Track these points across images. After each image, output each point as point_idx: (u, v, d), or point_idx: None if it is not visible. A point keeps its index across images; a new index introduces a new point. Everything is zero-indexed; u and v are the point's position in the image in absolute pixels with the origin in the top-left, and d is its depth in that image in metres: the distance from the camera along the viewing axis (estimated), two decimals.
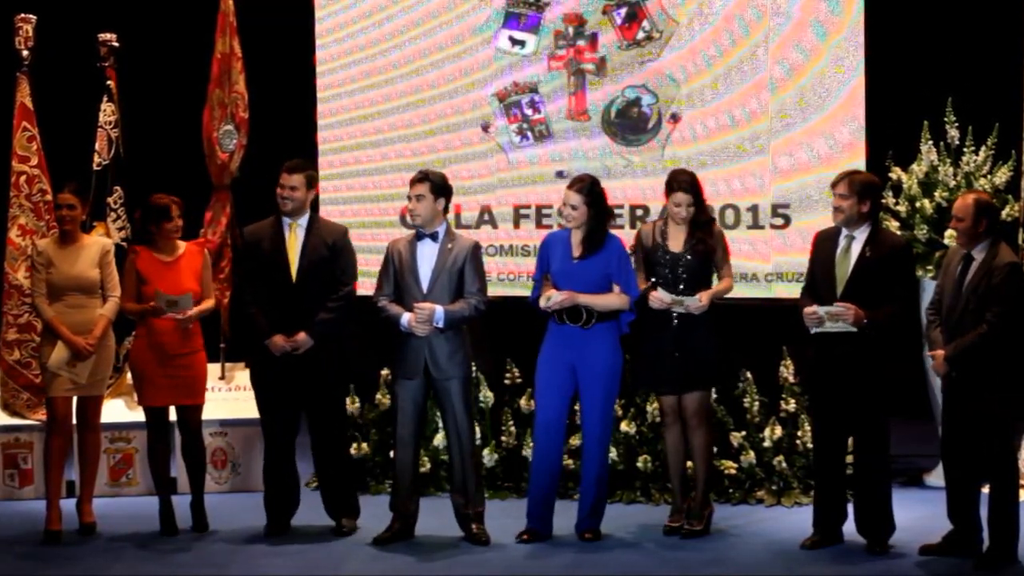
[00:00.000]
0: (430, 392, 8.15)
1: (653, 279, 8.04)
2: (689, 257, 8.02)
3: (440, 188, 8.07)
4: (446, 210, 8.16)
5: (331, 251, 8.22)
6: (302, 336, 8.11)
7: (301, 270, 8.19)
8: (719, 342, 8.05)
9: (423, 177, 8.06)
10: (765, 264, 9.20)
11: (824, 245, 7.89)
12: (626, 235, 9.30)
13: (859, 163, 8.99)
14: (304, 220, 8.27)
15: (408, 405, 8.09)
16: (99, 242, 8.53)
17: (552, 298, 7.94)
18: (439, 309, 7.96)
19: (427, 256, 8.07)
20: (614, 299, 8.01)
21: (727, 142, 9.29)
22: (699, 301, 7.92)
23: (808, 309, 7.72)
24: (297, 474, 8.40)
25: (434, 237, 8.09)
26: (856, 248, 7.75)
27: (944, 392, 7.76)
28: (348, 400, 9.22)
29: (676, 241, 8.06)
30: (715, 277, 8.16)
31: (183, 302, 8.19)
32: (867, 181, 7.80)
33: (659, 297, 7.95)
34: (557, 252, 8.10)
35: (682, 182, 8.05)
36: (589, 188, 8.01)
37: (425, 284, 8.02)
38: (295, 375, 8.14)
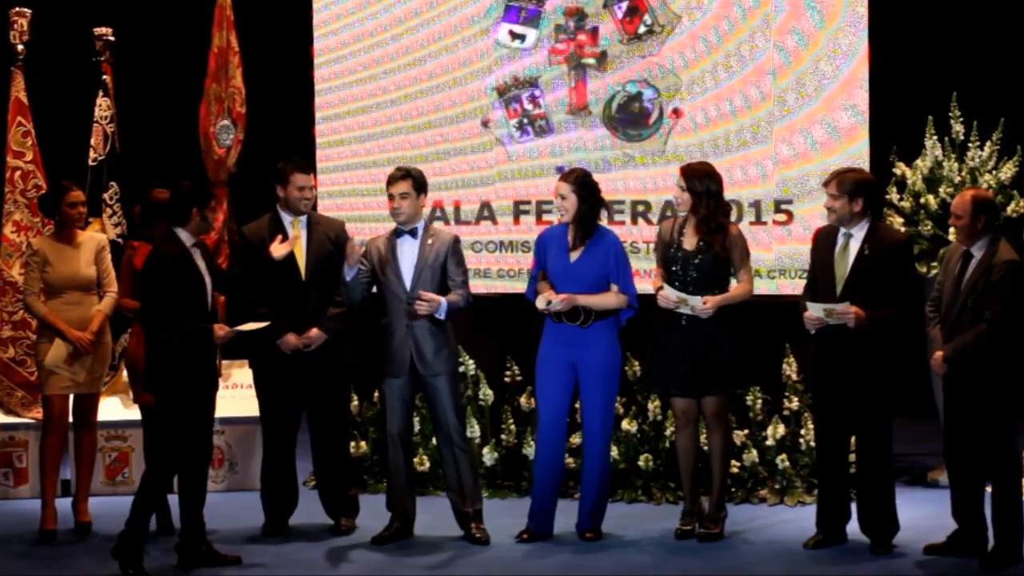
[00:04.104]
0: (418, 390, 8.10)
1: (662, 284, 7.96)
2: (700, 257, 7.93)
3: (422, 184, 8.08)
4: (422, 206, 8.14)
5: (335, 246, 8.19)
6: (315, 332, 8.08)
7: (310, 267, 8.16)
8: (736, 345, 7.95)
9: (406, 174, 8.03)
10: (767, 253, 9.12)
11: (823, 243, 7.86)
12: (627, 231, 9.28)
13: (861, 149, 8.93)
14: (304, 216, 8.23)
15: (397, 403, 8.06)
16: (94, 238, 8.48)
17: (552, 303, 7.87)
18: (443, 301, 7.89)
19: (408, 253, 8.03)
20: (612, 299, 7.95)
21: (729, 129, 9.21)
22: (703, 304, 7.84)
23: (808, 314, 7.66)
24: (296, 474, 8.36)
25: (413, 233, 8.05)
26: (854, 246, 7.71)
27: (945, 391, 7.72)
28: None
29: (690, 239, 7.98)
30: (733, 280, 8.05)
31: None
32: (858, 180, 7.73)
33: (665, 295, 7.88)
34: (553, 249, 8.06)
35: (682, 171, 7.99)
36: (578, 179, 7.97)
37: (408, 281, 7.97)
38: (299, 374, 8.09)
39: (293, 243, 7.98)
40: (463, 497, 8.08)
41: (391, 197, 8.04)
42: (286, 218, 8.22)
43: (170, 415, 7.49)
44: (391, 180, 8.05)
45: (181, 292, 7.43)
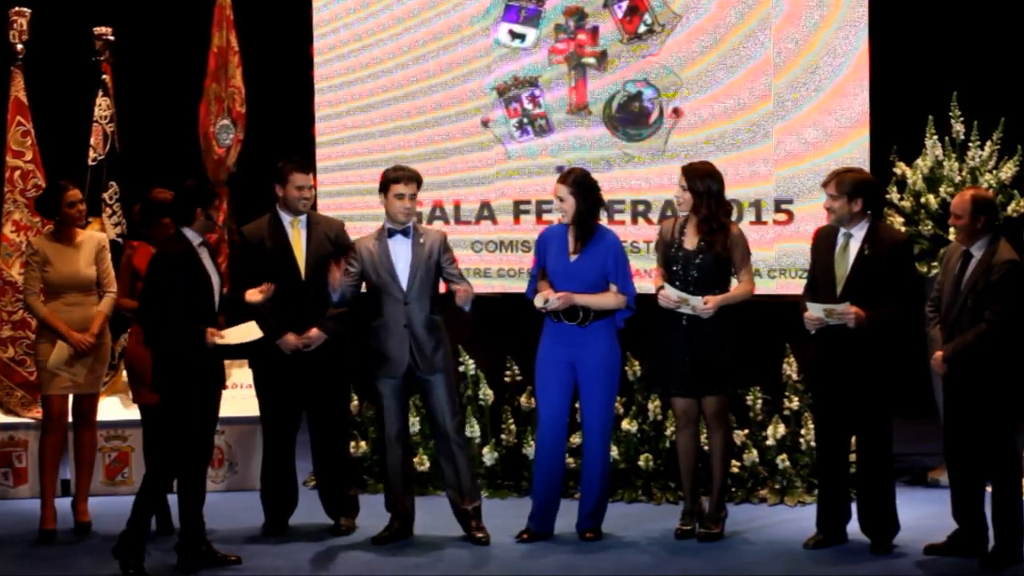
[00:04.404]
0: (414, 389, 8.11)
1: (663, 284, 7.95)
2: (701, 257, 7.92)
3: (420, 184, 8.07)
4: None
5: (334, 245, 8.18)
6: (315, 332, 8.07)
7: (309, 267, 8.14)
8: (737, 345, 7.94)
9: (414, 175, 8.01)
10: (768, 253, 9.11)
11: (823, 243, 7.85)
12: (627, 230, 9.27)
13: (862, 145, 8.92)
14: (303, 216, 8.21)
15: (394, 404, 8.05)
16: (94, 238, 8.46)
17: (549, 301, 7.87)
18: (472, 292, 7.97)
19: (403, 253, 8.00)
20: (610, 299, 7.94)
21: (729, 128, 9.20)
22: (704, 303, 7.82)
23: (808, 314, 7.66)
24: (296, 474, 8.35)
25: (406, 233, 8.01)
26: (854, 246, 7.70)
27: (945, 391, 7.71)
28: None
29: (691, 239, 7.97)
30: (734, 280, 8.03)
31: None
32: (857, 180, 7.72)
33: (666, 295, 7.87)
34: (553, 248, 8.04)
35: (684, 171, 7.98)
36: (575, 179, 7.95)
37: (404, 281, 7.95)
38: (299, 373, 8.08)
39: (269, 291, 7.92)
40: (462, 495, 8.06)
41: (400, 197, 7.97)
42: (285, 218, 8.20)
43: (175, 415, 7.48)
44: (403, 180, 7.96)
45: (186, 292, 7.43)
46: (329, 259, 8.08)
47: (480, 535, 8.02)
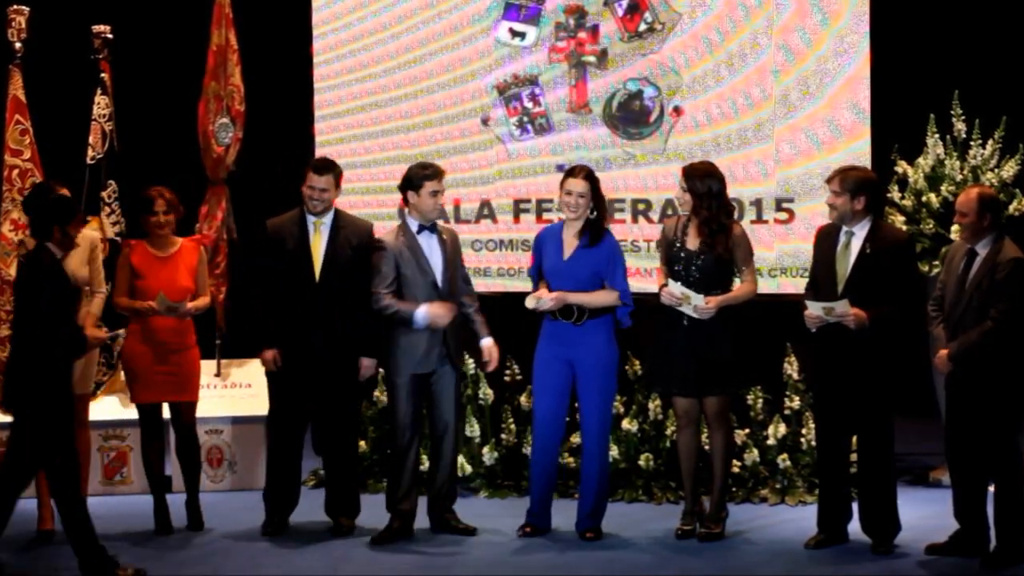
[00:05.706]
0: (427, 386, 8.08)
1: (666, 282, 7.92)
2: (702, 257, 7.89)
3: None
4: None
5: (354, 251, 8.09)
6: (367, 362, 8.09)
7: (325, 271, 8.07)
8: (738, 345, 7.90)
9: (443, 172, 8.00)
10: (769, 252, 9.10)
11: (825, 241, 7.82)
12: (628, 229, 9.26)
13: (864, 148, 8.92)
14: (328, 218, 8.13)
15: (410, 400, 7.99)
16: (87, 237, 8.41)
17: (541, 301, 7.84)
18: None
19: (435, 249, 7.98)
20: (603, 295, 7.91)
21: (730, 129, 9.19)
22: (704, 303, 7.79)
23: (808, 312, 7.64)
24: (300, 472, 8.31)
25: (432, 229, 8.00)
26: (856, 244, 7.68)
27: (947, 390, 7.68)
28: None
29: (693, 239, 7.94)
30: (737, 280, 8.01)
31: (182, 307, 8.10)
32: (860, 178, 7.70)
33: (670, 291, 7.83)
34: (549, 248, 8.02)
35: (684, 172, 7.95)
36: (588, 174, 7.95)
37: (440, 278, 7.93)
38: (312, 372, 8.02)
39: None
40: (439, 495, 8.04)
41: (435, 194, 7.93)
42: (310, 217, 8.14)
43: (40, 420, 7.24)
44: (437, 176, 7.94)
45: (54, 300, 7.25)
46: (345, 264, 8.03)
47: (462, 525, 8.02)
